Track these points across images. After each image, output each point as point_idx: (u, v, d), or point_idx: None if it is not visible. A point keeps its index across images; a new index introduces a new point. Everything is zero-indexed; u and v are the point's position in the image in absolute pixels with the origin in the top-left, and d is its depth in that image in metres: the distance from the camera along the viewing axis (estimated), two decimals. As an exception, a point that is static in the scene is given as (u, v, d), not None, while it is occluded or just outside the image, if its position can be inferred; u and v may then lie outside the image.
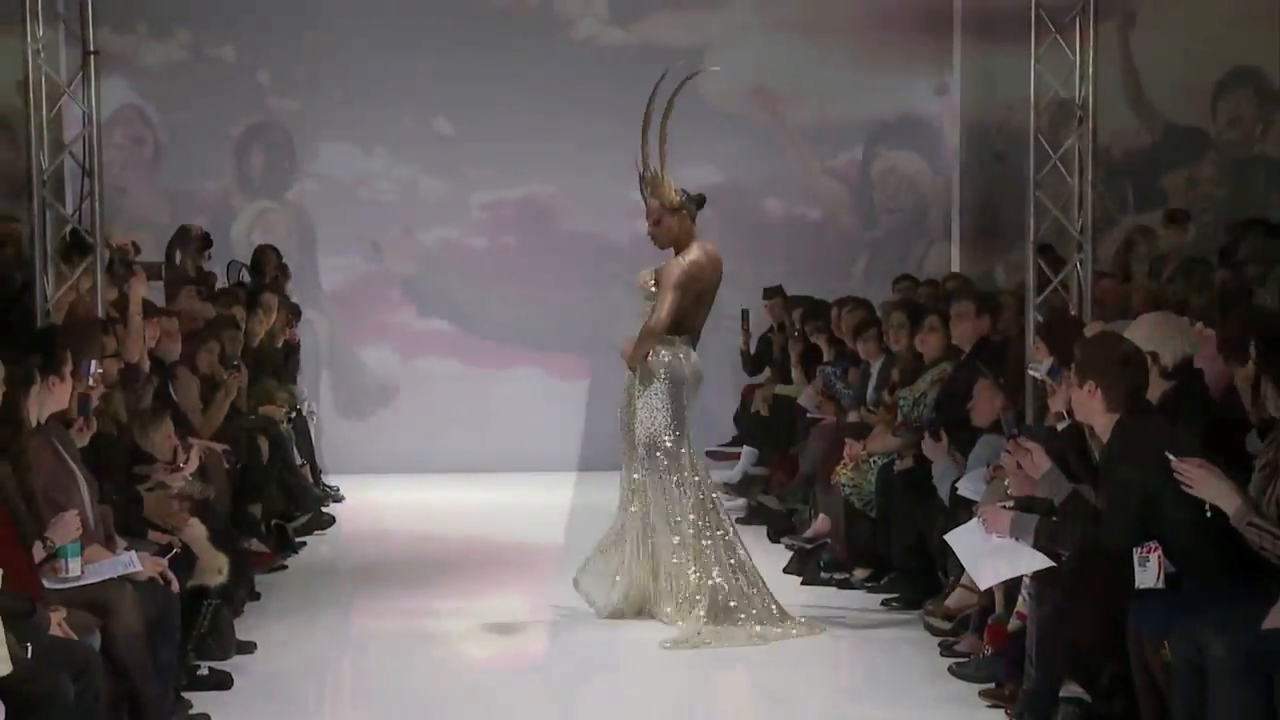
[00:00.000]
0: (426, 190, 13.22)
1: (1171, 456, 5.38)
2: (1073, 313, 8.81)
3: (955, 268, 13.08)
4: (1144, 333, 6.34)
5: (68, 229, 8.90)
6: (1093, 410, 5.87)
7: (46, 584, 5.66)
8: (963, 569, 7.21)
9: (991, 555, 6.26)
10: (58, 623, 5.39)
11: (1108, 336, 6.23)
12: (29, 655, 4.94)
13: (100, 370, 7.08)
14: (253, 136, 13.25)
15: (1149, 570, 5.48)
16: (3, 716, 4.57)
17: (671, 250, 8.15)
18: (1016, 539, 6.11)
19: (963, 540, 6.50)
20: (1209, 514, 5.31)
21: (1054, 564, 6.00)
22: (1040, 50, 8.95)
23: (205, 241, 11.94)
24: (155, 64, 13.01)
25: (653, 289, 8.05)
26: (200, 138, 13.08)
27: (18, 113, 8.90)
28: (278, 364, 11.43)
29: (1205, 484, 5.29)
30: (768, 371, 12.24)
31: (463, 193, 13.23)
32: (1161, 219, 11.71)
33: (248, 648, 7.50)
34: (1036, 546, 6.07)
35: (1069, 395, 6.18)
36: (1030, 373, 6.91)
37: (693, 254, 8.05)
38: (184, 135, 13.07)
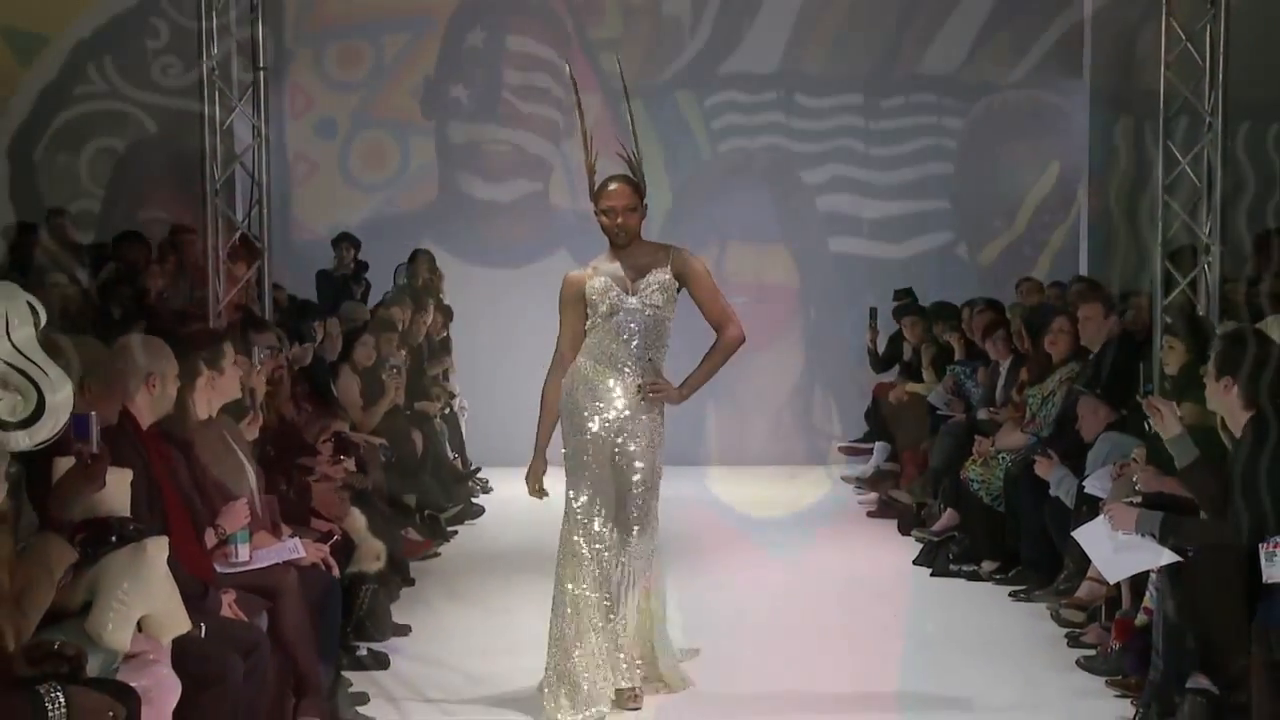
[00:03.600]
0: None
1: None
2: (1200, 313, 8.65)
3: (1083, 269, 12.89)
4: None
5: (237, 234, 9.06)
6: (1228, 405, 5.74)
7: (218, 568, 5.75)
8: (1089, 563, 7.13)
9: (1119, 551, 6.16)
10: (228, 604, 5.48)
11: (1248, 334, 6.04)
12: (203, 634, 5.01)
13: (266, 359, 7.17)
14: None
15: (1277, 564, 5.35)
16: (179, 692, 4.65)
17: (594, 250, 6.62)
18: (1143, 535, 6.01)
19: (1091, 536, 6.39)
20: None
21: (1180, 559, 5.89)
22: (1170, 57, 8.79)
23: (355, 246, 12.29)
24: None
25: (674, 290, 6.44)
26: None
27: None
28: (433, 363, 11.58)
29: None
30: (896, 369, 12.16)
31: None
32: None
33: (403, 630, 7.59)
34: (1163, 542, 5.96)
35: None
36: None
37: (672, 246, 6.57)
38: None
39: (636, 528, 6.42)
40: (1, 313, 4.11)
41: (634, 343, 6.40)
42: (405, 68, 13.72)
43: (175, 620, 4.65)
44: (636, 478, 6.41)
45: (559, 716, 6.29)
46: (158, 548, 4.54)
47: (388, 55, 13.71)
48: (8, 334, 4.08)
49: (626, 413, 6.40)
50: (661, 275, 6.40)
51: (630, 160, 6.52)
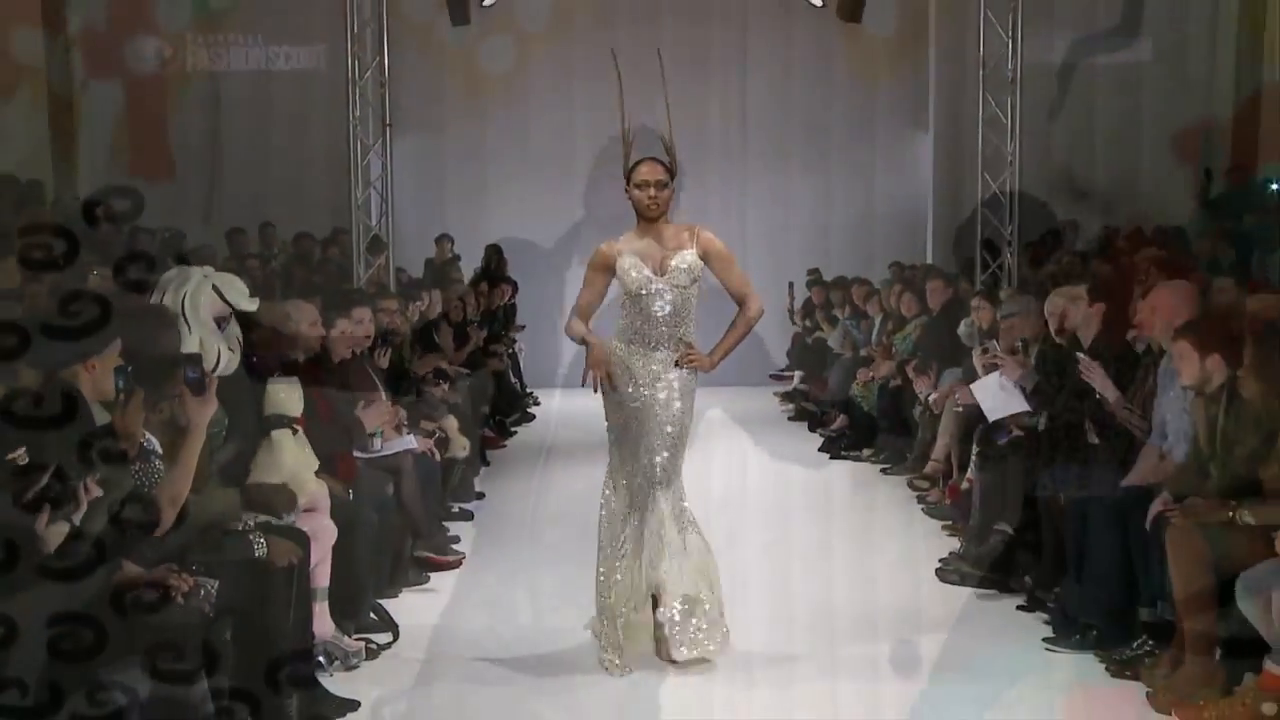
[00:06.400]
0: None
1: (1081, 355, 5.27)
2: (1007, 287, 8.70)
3: (929, 258, 12.81)
4: (1067, 296, 6.12)
5: (370, 234, 9.08)
6: (1092, 322, 5.50)
7: (362, 454, 5.68)
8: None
9: (999, 403, 6.09)
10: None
11: (1119, 277, 5.94)
12: (350, 496, 5.07)
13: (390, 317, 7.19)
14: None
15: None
16: (335, 535, 4.66)
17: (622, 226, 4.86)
18: (1021, 384, 5.99)
19: (981, 388, 6.25)
20: (1098, 397, 5.20)
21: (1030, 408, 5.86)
22: (986, 116, 8.80)
23: (449, 241, 12.23)
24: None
25: (700, 271, 4.75)
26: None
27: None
28: (501, 319, 11.61)
29: (1099, 378, 5.19)
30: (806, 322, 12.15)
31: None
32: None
33: (481, 496, 7.63)
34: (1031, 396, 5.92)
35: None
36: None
37: (695, 226, 4.82)
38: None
39: (661, 483, 4.75)
40: (177, 288, 4.20)
41: (663, 321, 4.73)
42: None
43: (304, 489, 4.58)
44: (670, 429, 4.74)
45: (603, 655, 4.71)
46: (283, 436, 4.56)
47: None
48: (181, 300, 4.18)
49: (662, 381, 4.75)
50: (689, 257, 4.71)
51: (665, 143, 4.78)
